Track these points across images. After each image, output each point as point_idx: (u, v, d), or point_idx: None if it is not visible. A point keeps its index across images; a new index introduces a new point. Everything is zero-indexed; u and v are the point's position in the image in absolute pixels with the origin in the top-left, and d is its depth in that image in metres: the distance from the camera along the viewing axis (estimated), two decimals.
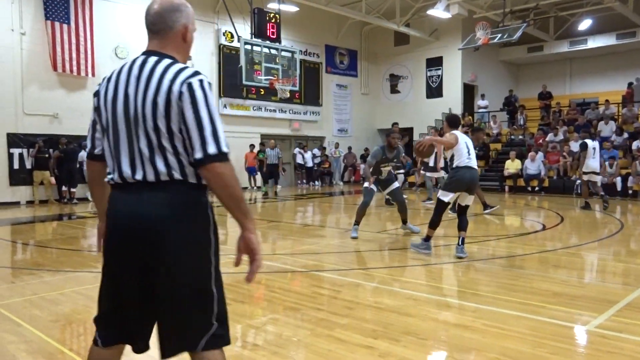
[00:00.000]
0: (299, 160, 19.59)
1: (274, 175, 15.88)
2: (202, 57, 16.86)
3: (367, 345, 3.15)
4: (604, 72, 20.64)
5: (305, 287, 4.70)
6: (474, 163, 5.82)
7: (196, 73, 1.77)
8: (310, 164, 19.71)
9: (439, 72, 21.12)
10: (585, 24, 18.89)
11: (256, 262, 1.80)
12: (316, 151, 20.18)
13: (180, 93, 1.72)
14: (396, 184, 7.69)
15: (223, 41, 17.50)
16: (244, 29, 16.07)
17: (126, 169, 1.80)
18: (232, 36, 17.16)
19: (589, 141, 11.16)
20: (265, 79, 15.41)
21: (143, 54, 1.88)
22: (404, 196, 8.06)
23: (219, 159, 1.69)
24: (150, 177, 1.77)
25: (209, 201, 1.86)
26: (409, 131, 19.51)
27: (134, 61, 1.85)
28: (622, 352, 3.05)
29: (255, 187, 17.14)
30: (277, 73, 15.68)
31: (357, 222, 7.42)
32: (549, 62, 21.93)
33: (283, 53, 15.95)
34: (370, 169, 7.40)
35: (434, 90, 21.29)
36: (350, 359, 2.95)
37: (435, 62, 21.19)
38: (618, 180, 14.02)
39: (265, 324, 3.64)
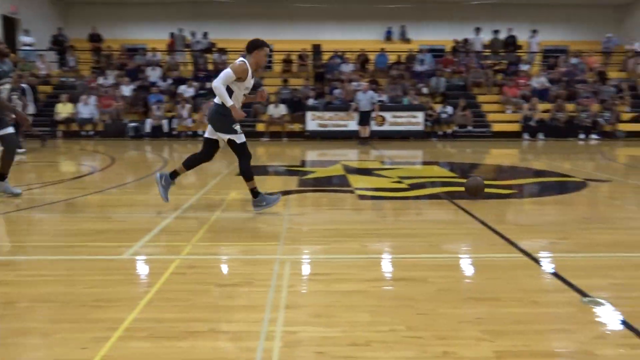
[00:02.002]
0: None
1: None
2: None
3: None
4: (151, 19, 21.75)
5: None
6: None
7: None
8: None
9: None
10: None
11: None
12: None
13: None
14: (10, 129, 5.78)
15: None
16: None
17: None
18: None
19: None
20: None
21: None
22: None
23: None
24: None
25: None
26: None
27: None
28: (148, 272, 3.40)
29: None
30: None
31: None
32: (99, 3, 21.49)
33: None
34: None
35: None
36: None
37: None
38: (165, 122, 15.37)
39: None
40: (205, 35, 19.55)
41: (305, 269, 3.55)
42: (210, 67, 18.35)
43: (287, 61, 19.39)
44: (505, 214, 5.52)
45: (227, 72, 4.81)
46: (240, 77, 4.85)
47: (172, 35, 19.60)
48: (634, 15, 22.83)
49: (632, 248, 4.03)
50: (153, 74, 17.39)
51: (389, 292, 3.06)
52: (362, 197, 6.38)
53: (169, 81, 17.07)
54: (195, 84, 16.83)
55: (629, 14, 23.16)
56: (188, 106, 15.52)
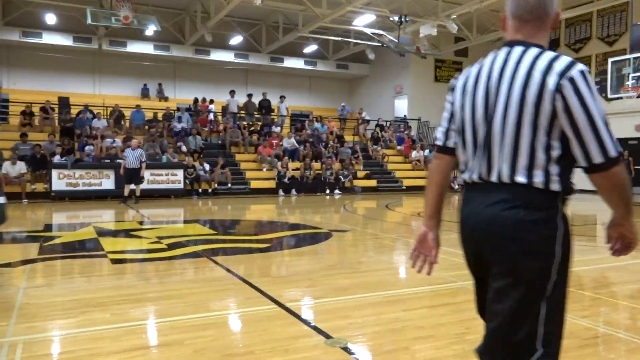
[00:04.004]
0: None
1: None
2: None
3: None
4: None
5: None
6: None
7: (574, 63, 1.57)
8: None
9: None
10: None
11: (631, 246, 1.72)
12: None
13: (558, 87, 1.55)
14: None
15: None
16: None
17: (483, 168, 1.70)
18: None
19: None
20: None
21: (506, 44, 1.72)
22: None
23: (617, 162, 1.56)
24: (505, 177, 1.64)
25: (562, 208, 1.64)
26: None
27: (496, 54, 1.71)
28: None
29: None
30: None
31: None
32: None
33: None
34: None
35: None
36: None
37: None
38: None
39: None
40: None
41: (43, 350, 3.10)
42: None
43: (28, 113, 17.34)
44: (262, 267, 5.76)
45: None
46: None
47: None
48: (362, 89, 27.08)
49: (367, 289, 4.60)
50: None
51: None
52: (115, 261, 5.95)
53: None
54: None
55: (358, 87, 27.38)
56: None
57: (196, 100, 21.38)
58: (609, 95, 14.64)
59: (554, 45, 21.42)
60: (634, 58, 13.42)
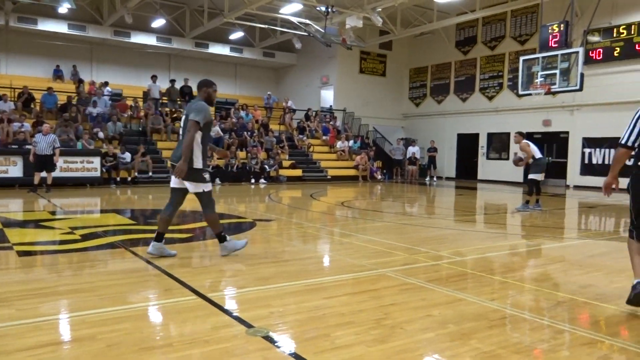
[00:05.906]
0: None
1: None
2: None
3: None
4: None
5: None
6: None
7: None
8: None
9: None
10: None
11: None
12: None
13: None
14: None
15: None
16: None
17: None
18: None
19: None
20: None
21: None
22: None
23: None
24: None
25: None
26: None
27: None
28: None
29: None
30: None
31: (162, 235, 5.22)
32: None
33: None
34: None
35: None
36: None
37: None
38: None
39: None
40: None
41: None
42: None
43: None
44: (183, 257, 5.61)
45: None
46: None
47: None
48: (287, 78, 26.98)
49: (289, 278, 4.61)
50: None
51: (50, 358, 2.71)
52: (22, 253, 5.57)
53: None
54: None
55: (285, 76, 27.25)
56: None
57: (81, 80, 20.30)
58: (520, 92, 15.50)
59: (471, 42, 22.42)
60: (543, 57, 14.27)
